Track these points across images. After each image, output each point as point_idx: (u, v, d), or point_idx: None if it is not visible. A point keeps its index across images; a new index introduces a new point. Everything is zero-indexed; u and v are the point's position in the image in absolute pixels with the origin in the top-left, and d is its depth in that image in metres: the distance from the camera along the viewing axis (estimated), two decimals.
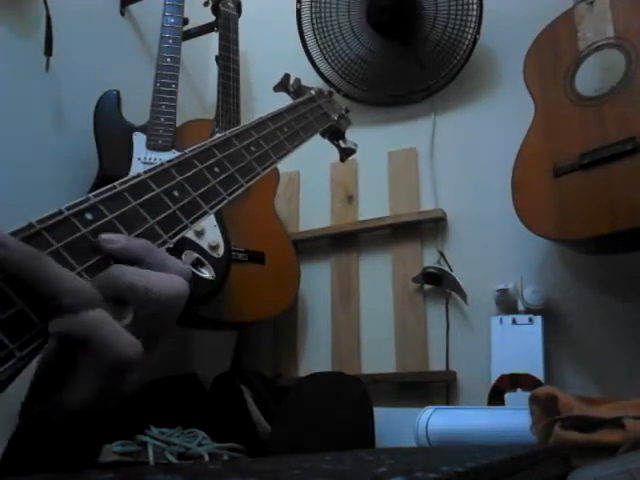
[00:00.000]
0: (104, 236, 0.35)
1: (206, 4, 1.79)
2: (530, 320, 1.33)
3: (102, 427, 0.36)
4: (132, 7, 1.75)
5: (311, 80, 1.54)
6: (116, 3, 1.73)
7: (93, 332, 0.31)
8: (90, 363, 0.32)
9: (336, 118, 0.82)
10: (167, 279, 0.35)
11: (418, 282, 1.55)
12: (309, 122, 0.68)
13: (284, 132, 0.60)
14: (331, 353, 1.62)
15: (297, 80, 0.86)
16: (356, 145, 0.91)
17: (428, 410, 1.17)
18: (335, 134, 0.87)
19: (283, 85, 0.87)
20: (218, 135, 0.50)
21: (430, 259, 1.57)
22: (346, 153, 0.92)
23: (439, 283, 1.51)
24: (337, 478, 0.24)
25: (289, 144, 0.60)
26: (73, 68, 1.50)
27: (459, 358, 1.47)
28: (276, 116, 0.61)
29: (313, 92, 0.79)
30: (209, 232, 1.36)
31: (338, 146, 0.91)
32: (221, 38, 1.72)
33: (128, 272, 0.34)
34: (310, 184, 1.81)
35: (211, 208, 0.44)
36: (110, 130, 1.45)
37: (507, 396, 1.26)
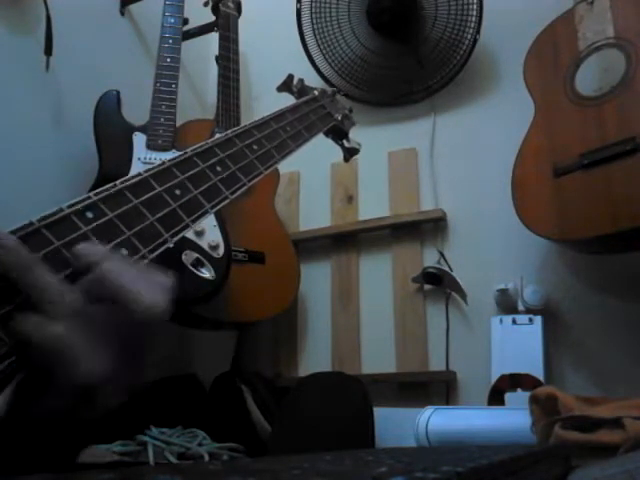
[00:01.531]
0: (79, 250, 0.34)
1: (206, 4, 1.79)
2: (530, 320, 1.33)
3: (80, 428, 0.35)
4: (132, 7, 1.75)
5: (311, 80, 1.53)
6: (116, 3, 1.72)
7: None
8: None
9: (340, 118, 0.82)
10: (154, 287, 0.35)
11: (418, 282, 1.55)
12: (312, 122, 0.68)
13: (287, 131, 0.60)
14: (331, 353, 1.62)
15: (300, 80, 0.86)
16: (360, 145, 0.91)
17: (428, 410, 1.17)
18: (339, 134, 0.87)
19: (286, 85, 0.87)
20: (220, 135, 0.50)
21: (430, 259, 1.56)
22: (350, 153, 0.92)
23: (439, 283, 1.51)
24: (337, 478, 0.24)
25: (292, 143, 0.59)
26: (73, 68, 1.49)
27: (459, 358, 1.47)
28: (278, 116, 0.61)
29: (316, 92, 0.79)
30: (209, 232, 1.36)
31: (342, 146, 0.90)
32: (221, 38, 1.72)
33: (120, 273, 0.34)
34: (310, 184, 1.81)
35: (213, 207, 0.44)
36: (110, 130, 1.45)
37: (507, 396, 1.26)
